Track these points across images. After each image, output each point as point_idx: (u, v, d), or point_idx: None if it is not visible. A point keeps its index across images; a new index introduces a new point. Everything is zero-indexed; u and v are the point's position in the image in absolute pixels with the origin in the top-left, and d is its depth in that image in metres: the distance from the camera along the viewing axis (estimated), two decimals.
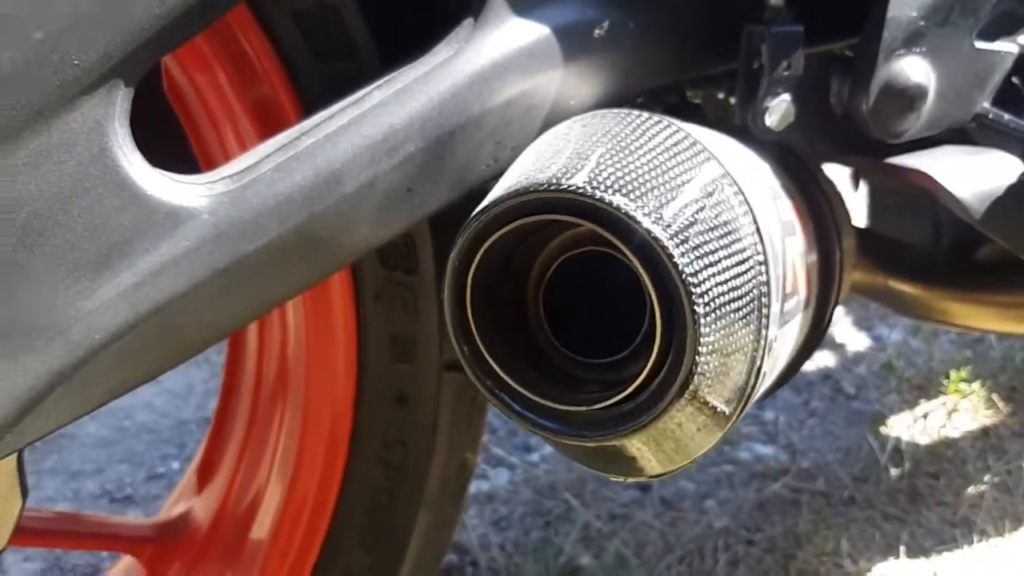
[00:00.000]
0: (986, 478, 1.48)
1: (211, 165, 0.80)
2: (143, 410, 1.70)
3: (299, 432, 0.83)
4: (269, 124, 0.73)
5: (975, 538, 1.37)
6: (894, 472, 1.51)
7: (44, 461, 1.61)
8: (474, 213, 0.54)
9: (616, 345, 0.59)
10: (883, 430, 1.59)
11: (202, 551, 0.92)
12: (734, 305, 0.54)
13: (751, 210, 0.58)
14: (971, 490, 1.47)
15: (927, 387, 1.67)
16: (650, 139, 0.57)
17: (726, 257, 0.54)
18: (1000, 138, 0.75)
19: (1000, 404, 1.62)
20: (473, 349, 0.56)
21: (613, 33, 0.68)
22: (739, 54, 0.73)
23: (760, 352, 0.57)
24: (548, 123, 0.67)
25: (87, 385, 0.57)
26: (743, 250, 0.55)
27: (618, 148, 0.55)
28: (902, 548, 1.36)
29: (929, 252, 1.24)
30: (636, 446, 0.56)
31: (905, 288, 1.21)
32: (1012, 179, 0.73)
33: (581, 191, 0.51)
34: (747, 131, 0.74)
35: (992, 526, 1.39)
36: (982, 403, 1.62)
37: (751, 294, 0.55)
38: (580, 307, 0.61)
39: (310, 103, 0.72)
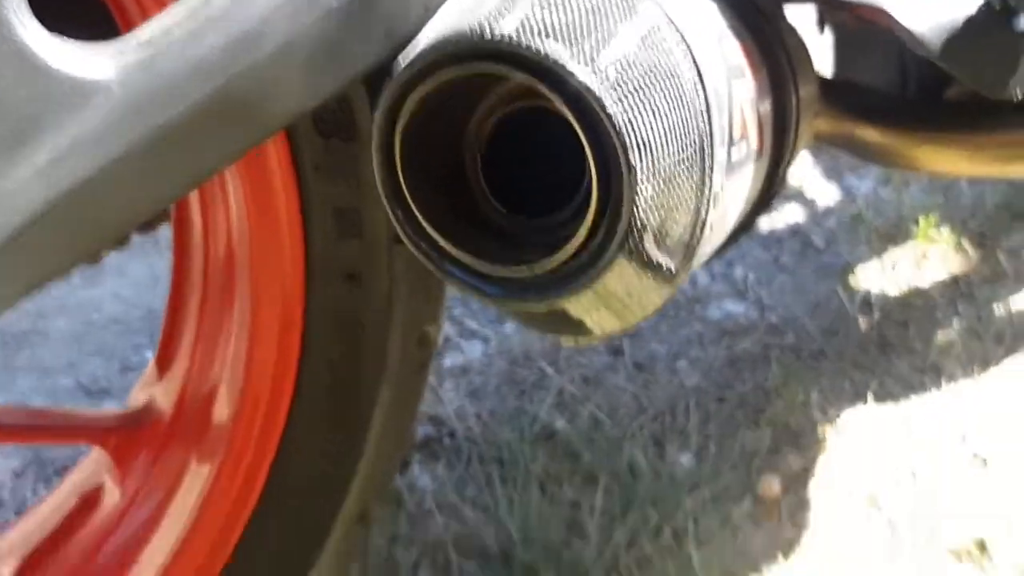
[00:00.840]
0: (955, 324, 1.49)
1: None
2: (111, 301, 1.68)
3: (251, 313, 0.81)
4: None
5: (944, 383, 1.39)
6: (864, 323, 1.52)
7: (16, 358, 1.60)
8: (397, 63, 0.51)
9: (558, 203, 0.57)
10: (853, 282, 1.59)
11: (166, 438, 0.92)
12: (673, 154, 0.52)
13: (691, 53, 0.55)
14: (941, 337, 1.48)
15: (897, 236, 1.66)
16: None
17: (664, 104, 0.51)
18: None
19: (970, 250, 1.62)
20: (407, 213, 0.54)
21: None
22: None
23: (704, 203, 0.55)
24: None
25: (9, 275, 0.55)
26: (682, 96, 0.53)
27: None
28: (871, 396, 1.38)
29: (896, 96, 1.21)
30: (583, 306, 0.54)
31: (872, 135, 1.19)
32: (971, 10, 0.70)
33: (508, 37, 0.48)
34: None
35: (961, 371, 1.41)
36: (952, 250, 1.62)
37: (692, 142, 0.53)
38: (520, 165, 0.58)
39: None
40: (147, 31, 0.56)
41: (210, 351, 0.87)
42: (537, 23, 0.49)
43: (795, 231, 1.72)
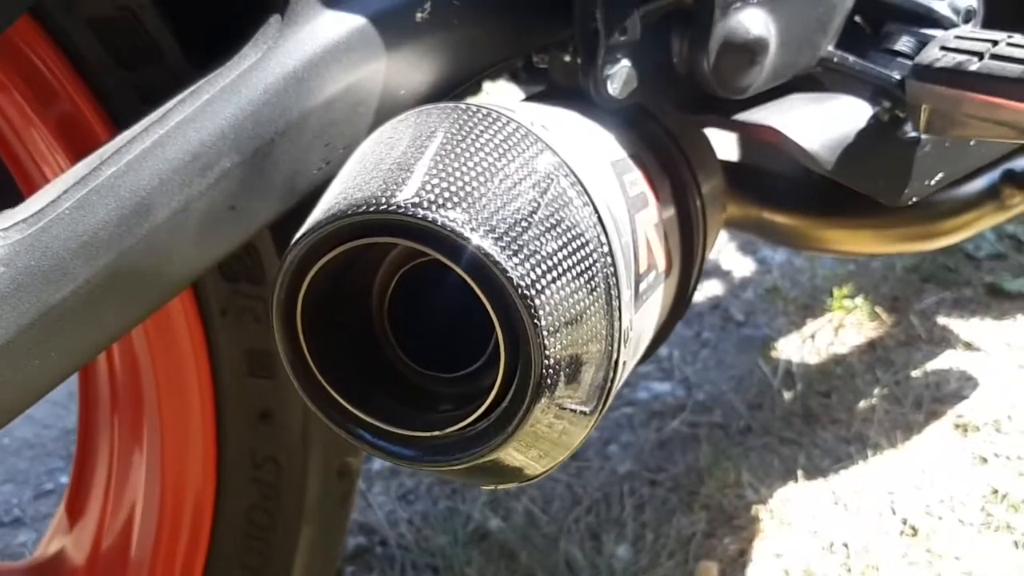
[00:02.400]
0: (876, 391, 1.52)
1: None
2: (22, 424, 1.62)
3: (161, 460, 0.79)
4: (77, 141, 0.67)
5: (869, 453, 1.41)
6: (787, 395, 1.53)
7: None
8: (295, 239, 0.50)
9: (469, 357, 0.56)
10: (774, 354, 1.61)
11: None
12: (580, 306, 0.51)
13: (591, 200, 0.55)
14: (863, 404, 1.50)
15: (813, 306, 1.70)
16: (477, 138, 0.53)
17: (566, 258, 0.51)
18: (847, 81, 0.73)
19: (884, 316, 1.66)
20: (311, 382, 0.53)
21: (438, 14, 0.64)
22: (573, 20, 0.69)
23: (615, 345, 0.55)
24: (381, 116, 0.63)
25: None
26: (584, 245, 0.53)
27: (443, 154, 0.51)
28: (800, 472, 1.39)
29: (801, 181, 1.24)
30: (500, 460, 0.53)
31: (780, 219, 1.21)
32: (861, 123, 0.72)
33: (403, 211, 0.48)
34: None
35: (884, 438, 1.43)
36: (866, 316, 1.66)
37: (598, 290, 0.53)
38: (428, 319, 0.58)
39: (120, 114, 0.66)
40: (32, 206, 0.54)
41: (121, 500, 0.84)
42: (431, 191, 0.49)
43: (715, 304, 1.74)
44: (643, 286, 0.63)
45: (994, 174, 1.17)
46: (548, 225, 0.51)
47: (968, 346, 1.59)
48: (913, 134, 0.74)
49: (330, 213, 0.49)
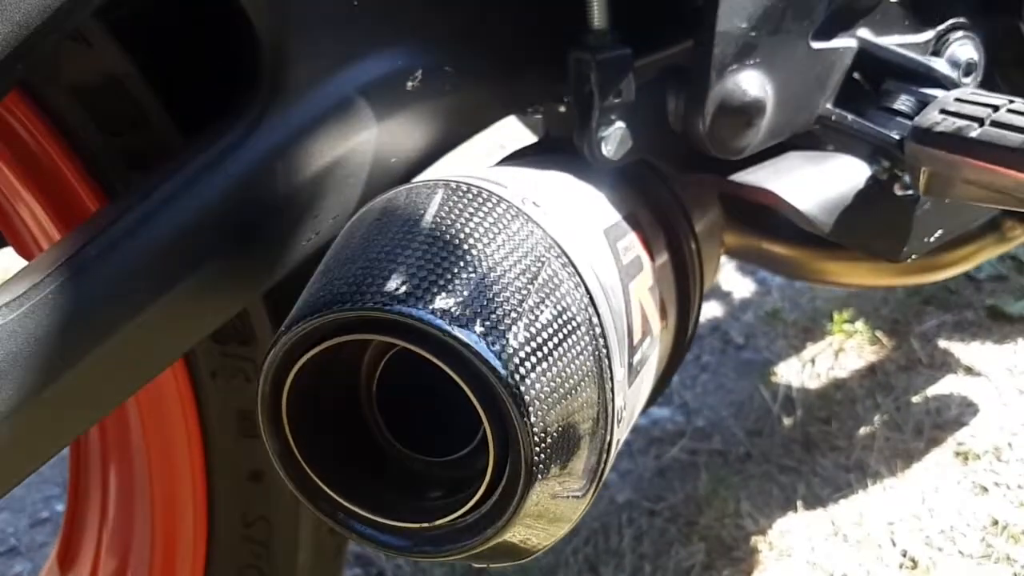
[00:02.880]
0: (876, 417, 1.51)
1: None
2: None
3: (152, 518, 0.78)
4: (65, 209, 0.66)
5: (869, 481, 1.40)
6: (787, 421, 1.52)
7: None
8: (275, 337, 0.49)
9: (459, 440, 0.55)
10: (773, 379, 1.60)
11: None
12: (571, 393, 0.51)
13: (583, 280, 0.54)
14: (863, 431, 1.49)
15: (813, 329, 1.69)
16: (466, 222, 0.52)
17: (557, 345, 0.50)
18: (845, 139, 0.72)
19: (884, 340, 1.65)
20: (299, 474, 0.52)
21: (429, 81, 0.63)
22: (567, 81, 0.68)
23: (608, 427, 0.54)
24: (371, 185, 0.62)
25: None
26: (576, 329, 0.52)
27: (429, 241, 0.50)
28: (799, 501, 1.38)
29: None
30: (493, 546, 0.52)
31: (779, 249, 1.20)
32: (859, 184, 0.71)
33: (379, 306, 0.47)
34: None
35: (885, 466, 1.42)
36: (867, 341, 1.65)
37: (590, 374, 0.52)
38: (416, 403, 0.57)
39: (107, 182, 0.65)
40: (11, 290, 0.53)
41: (113, 558, 0.83)
42: (412, 284, 0.48)
43: (714, 327, 1.73)
44: (637, 358, 0.62)
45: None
46: (537, 313, 0.50)
47: (969, 371, 1.58)
48: (911, 194, 0.73)
49: (310, 309, 0.48)
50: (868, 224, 0.72)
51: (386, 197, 0.55)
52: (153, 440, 0.74)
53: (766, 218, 1.20)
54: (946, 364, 1.60)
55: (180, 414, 0.73)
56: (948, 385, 1.56)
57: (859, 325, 1.67)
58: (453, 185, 0.54)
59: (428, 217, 0.52)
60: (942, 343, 1.64)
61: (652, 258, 0.70)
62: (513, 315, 0.49)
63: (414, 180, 0.57)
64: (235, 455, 0.75)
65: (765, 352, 1.66)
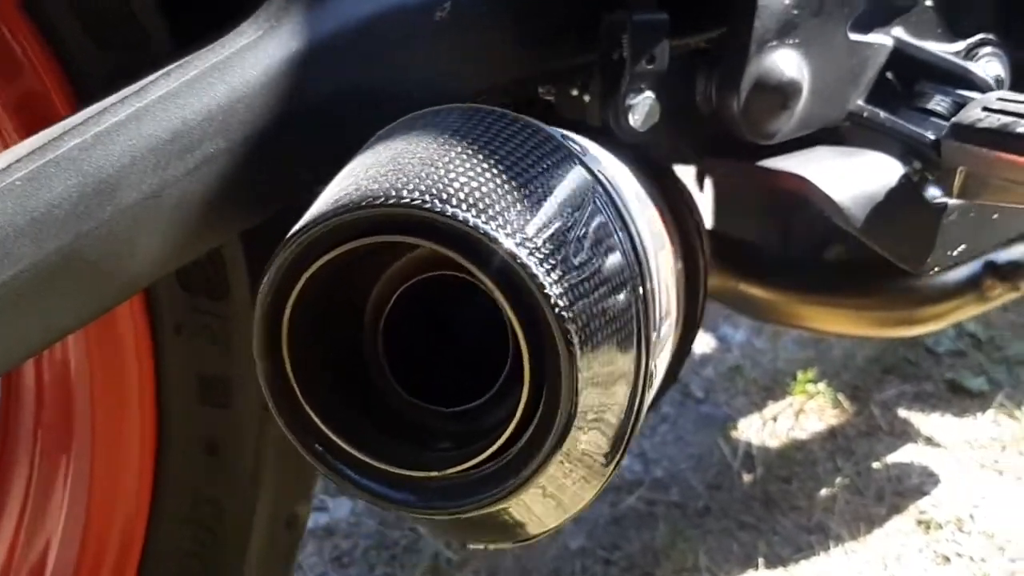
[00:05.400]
0: (837, 480, 1.47)
1: None
2: None
3: (87, 491, 0.69)
4: (38, 125, 0.59)
5: (830, 544, 1.35)
6: (747, 478, 1.47)
7: None
8: (289, 234, 0.42)
9: (471, 391, 0.49)
10: (733, 434, 1.56)
11: None
12: (613, 337, 0.45)
13: (625, 223, 0.49)
14: (823, 493, 1.45)
15: (774, 388, 1.65)
16: (505, 141, 0.47)
17: (603, 281, 0.45)
18: (875, 138, 0.69)
19: (845, 404, 1.62)
20: (294, 408, 0.45)
21: (458, 16, 0.58)
22: (597, 45, 0.64)
23: (640, 388, 0.49)
24: (387, 118, 0.56)
25: None
26: (621, 271, 0.46)
27: (468, 153, 0.44)
28: (760, 559, 1.32)
29: (779, 254, 1.21)
30: (506, 512, 0.46)
31: (756, 291, 1.17)
32: (891, 182, 0.68)
33: (426, 205, 0.41)
34: (605, 132, 0.66)
35: (846, 530, 1.38)
36: (828, 403, 1.62)
37: (631, 322, 0.47)
38: (426, 347, 0.50)
39: (87, 98, 0.59)
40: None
41: (33, 536, 0.73)
42: (459, 189, 0.42)
43: None
44: (663, 331, 0.56)
45: (976, 265, 1.15)
46: (583, 241, 0.45)
47: (929, 441, 1.55)
48: (940, 200, 0.70)
49: (338, 205, 0.42)
50: (896, 227, 0.68)
51: (416, 115, 0.50)
52: (100, 396, 0.66)
53: (745, 258, 1.17)
54: (907, 433, 1.57)
55: (135, 369, 0.65)
56: (909, 454, 1.53)
57: (821, 387, 1.64)
58: (489, 110, 0.49)
59: (467, 130, 0.46)
60: (902, 412, 1.61)
61: (672, 248, 0.65)
62: (561, 240, 0.43)
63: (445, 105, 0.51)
64: (192, 423, 0.67)
65: (725, 408, 1.62)
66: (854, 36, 0.68)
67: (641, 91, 0.64)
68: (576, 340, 0.41)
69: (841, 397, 1.63)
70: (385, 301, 0.49)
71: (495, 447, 0.43)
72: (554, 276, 0.41)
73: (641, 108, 0.64)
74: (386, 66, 0.56)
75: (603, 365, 0.44)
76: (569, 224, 0.44)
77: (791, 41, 0.64)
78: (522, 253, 0.41)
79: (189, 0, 0.58)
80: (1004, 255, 1.14)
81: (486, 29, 0.59)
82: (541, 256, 0.41)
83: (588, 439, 0.45)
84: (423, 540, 1.35)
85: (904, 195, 0.68)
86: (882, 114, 0.69)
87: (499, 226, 0.41)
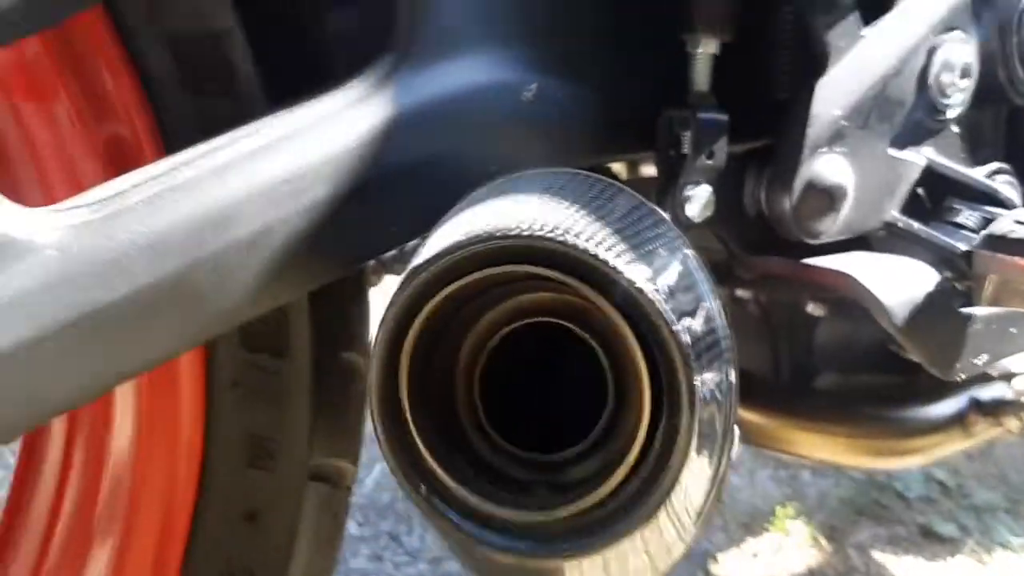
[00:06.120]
0: None
1: None
2: None
3: (115, 552, 0.66)
4: (121, 167, 0.60)
5: None
6: None
7: None
8: (421, 260, 0.44)
9: (559, 442, 0.49)
10: (714, 570, 1.54)
11: None
12: (712, 388, 0.46)
13: (709, 285, 0.51)
14: None
15: (752, 524, 1.65)
16: (610, 199, 0.49)
17: (704, 330, 0.46)
18: (908, 247, 0.73)
19: (823, 542, 1.62)
20: (404, 438, 0.45)
21: (541, 99, 0.61)
22: (658, 140, 0.68)
23: (727, 444, 0.50)
24: (467, 186, 0.59)
25: None
26: (713, 321, 0.48)
27: (583, 204, 0.47)
28: None
29: (769, 380, 1.23)
30: (604, 561, 0.45)
31: (745, 416, 1.19)
32: (926, 288, 0.71)
33: (560, 238, 0.42)
34: None
35: None
36: (806, 541, 1.62)
37: (724, 375, 0.48)
38: (515, 397, 0.51)
39: (174, 141, 0.60)
40: (101, 192, 0.47)
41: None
42: (580, 228, 0.44)
43: None
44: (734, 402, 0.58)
45: (961, 400, 1.18)
46: (687, 291, 0.46)
47: None
48: (966, 311, 0.73)
49: (471, 236, 0.43)
50: (932, 332, 0.71)
51: (513, 174, 0.52)
52: (144, 450, 0.64)
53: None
54: (882, 575, 1.57)
55: (187, 421, 0.64)
56: None
57: (799, 524, 1.64)
58: (583, 172, 0.52)
59: (574, 187, 0.49)
60: (876, 554, 1.62)
61: None
62: (671, 285, 0.45)
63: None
64: (236, 486, 0.66)
65: (705, 543, 1.61)
66: (892, 152, 0.72)
67: (699, 184, 0.67)
68: (698, 383, 0.43)
69: (818, 537, 1.63)
70: (479, 351, 0.50)
71: (609, 490, 0.44)
72: (675, 316, 0.43)
73: (699, 200, 0.67)
74: (476, 136, 0.58)
75: (705, 409, 0.45)
76: (678, 273, 0.46)
77: (840, 149, 0.69)
78: (649, 288, 0.42)
79: (283, 57, 0.61)
80: (988, 392, 1.18)
81: (564, 115, 0.63)
82: (663, 296, 0.43)
83: (687, 496, 0.45)
84: None
85: (936, 303, 0.72)
86: (916, 225, 0.73)
87: (628, 263, 0.43)
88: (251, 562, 0.67)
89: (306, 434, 0.66)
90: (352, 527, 1.58)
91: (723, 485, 0.51)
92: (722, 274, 0.88)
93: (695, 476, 0.46)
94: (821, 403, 1.17)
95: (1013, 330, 0.78)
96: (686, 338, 0.42)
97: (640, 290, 0.42)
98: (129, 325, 0.46)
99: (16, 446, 0.74)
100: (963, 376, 0.75)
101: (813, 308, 0.93)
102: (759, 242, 0.72)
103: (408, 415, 0.44)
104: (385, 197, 0.55)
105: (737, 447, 0.57)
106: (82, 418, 0.68)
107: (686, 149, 0.67)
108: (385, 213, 0.55)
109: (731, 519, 1.65)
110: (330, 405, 0.68)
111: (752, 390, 1.19)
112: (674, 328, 0.42)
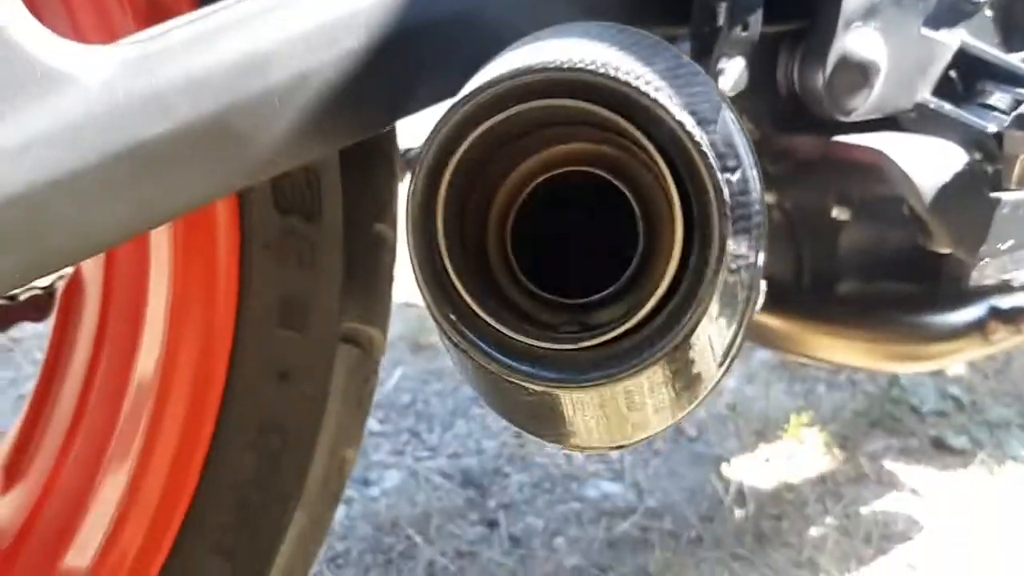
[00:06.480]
0: (826, 521, 1.48)
1: None
2: None
3: (150, 409, 0.68)
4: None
5: None
6: (739, 513, 1.48)
7: None
8: (465, 93, 0.44)
9: (590, 287, 0.50)
10: (726, 472, 1.57)
11: (5, 565, 0.74)
12: (742, 224, 0.47)
13: (750, 149, 0.52)
14: (813, 532, 1.46)
15: (765, 432, 1.67)
16: (655, 49, 0.49)
17: (741, 189, 0.47)
18: (939, 129, 0.73)
19: (836, 451, 1.64)
20: (438, 270, 0.46)
21: None
22: (693, 11, 0.68)
23: (755, 291, 0.51)
24: (501, 44, 0.59)
25: None
26: (749, 185, 0.49)
27: (628, 47, 0.47)
28: None
29: (791, 286, 1.24)
30: (625, 396, 0.47)
31: (768, 320, 1.20)
32: (955, 169, 0.71)
33: (601, 71, 0.43)
34: None
35: (835, 568, 1.39)
36: (819, 449, 1.64)
37: (755, 226, 0.49)
38: (546, 243, 0.52)
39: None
40: (146, 32, 0.48)
41: (83, 459, 0.72)
42: (623, 65, 0.44)
43: None
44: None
45: (981, 308, 1.19)
46: (726, 139, 0.47)
47: (914, 492, 1.58)
48: (995, 194, 0.73)
49: (514, 69, 0.43)
50: (958, 213, 0.72)
51: (555, 27, 0.52)
52: (178, 308, 0.66)
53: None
54: (893, 483, 1.60)
55: (222, 281, 0.65)
56: (894, 502, 1.55)
57: (812, 433, 1.67)
58: (624, 26, 0.52)
59: (616, 34, 0.49)
60: (888, 464, 1.64)
61: None
62: (711, 127, 0.45)
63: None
64: (268, 345, 0.67)
65: (717, 448, 1.63)
66: (926, 31, 0.72)
67: (732, 57, 0.67)
68: (727, 206, 0.43)
69: (831, 445, 1.66)
70: (514, 197, 0.51)
71: (635, 321, 0.45)
72: (713, 153, 0.44)
73: (732, 73, 0.67)
74: None
75: (734, 248, 0.46)
76: (716, 120, 0.47)
77: (874, 24, 0.69)
78: (697, 132, 0.43)
79: None
80: (1008, 300, 1.19)
81: None
82: (703, 133, 0.44)
83: (716, 321, 0.46)
84: (417, 548, 1.33)
85: (965, 184, 0.72)
86: (947, 106, 0.73)
87: (676, 105, 0.43)
88: (283, 419, 0.69)
89: (337, 298, 0.67)
90: (374, 424, 1.62)
91: (742, 344, 0.52)
92: None
93: (718, 322, 0.47)
94: (843, 309, 1.19)
95: None
96: (726, 188, 0.43)
97: (689, 133, 0.42)
98: (168, 163, 0.47)
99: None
100: (987, 260, 0.75)
101: (838, 212, 0.93)
102: (790, 120, 0.72)
103: (443, 250, 0.45)
104: (419, 52, 0.55)
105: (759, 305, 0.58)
106: (119, 276, 0.69)
107: (721, 22, 0.66)
108: (418, 69, 0.55)
109: (745, 427, 1.67)
110: (360, 273, 0.69)
111: (776, 296, 1.20)
112: (717, 175, 0.43)
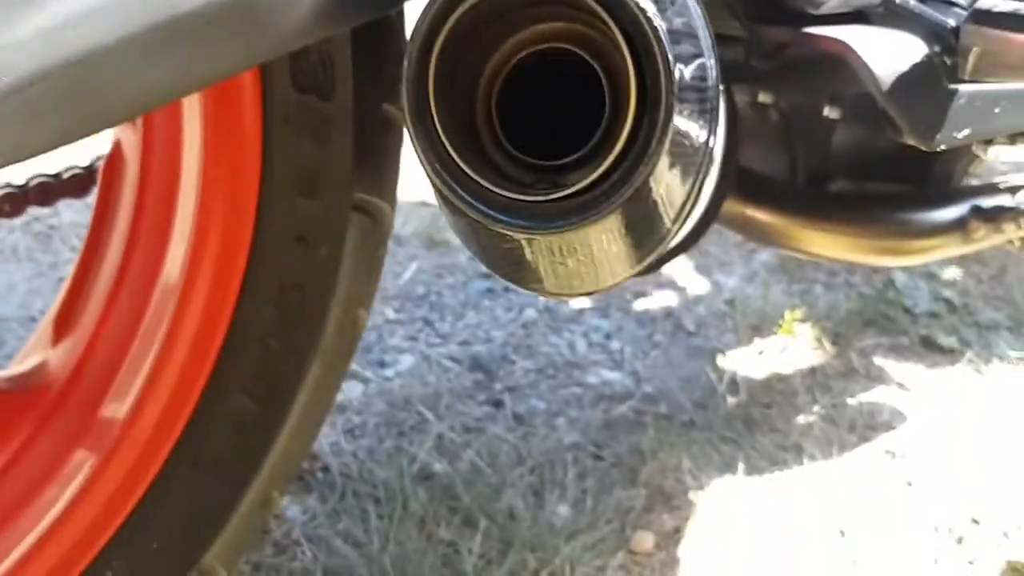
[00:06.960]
0: (814, 410, 1.58)
1: None
2: None
3: (185, 267, 0.77)
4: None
5: (804, 462, 1.46)
6: (731, 401, 1.58)
7: None
8: None
9: (562, 151, 0.58)
10: (721, 364, 1.66)
11: (52, 411, 0.84)
12: (695, 103, 0.54)
13: (710, 33, 0.59)
14: (800, 420, 1.56)
15: (761, 328, 1.76)
16: None
17: (691, 52, 0.54)
18: (902, 23, 0.79)
19: (827, 346, 1.73)
20: (427, 126, 0.54)
21: None
22: None
23: (705, 163, 0.58)
24: None
25: None
26: (701, 50, 0.56)
27: None
28: (740, 467, 1.43)
29: (786, 183, 1.30)
30: (593, 241, 0.55)
31: (764, 216, 1.27)
32: (914, 61, 0.77)
33: None
34: None
35: (819, 452, 1.48)
36: (810, 345, 1.73)
37: (709, 109, 0.56)
38: (527, 111, 0.59)
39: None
40: None
41: (126, 312, 0.82)
42: None
43: (668, 313, 1.79)
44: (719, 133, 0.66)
45: (964, 207, 1.26)
46: (686, 24, 0.54)
47: (901, 387, 1.66)
48: (952, 86, 0.80)
49: None
50: (915, 101, 0.78)
51: None
52: (209, 178, 0.74)
53: (754, 185, 1.27)
54: (881, 378, 1.68)
55: (248, 152, 0.73)
56: (881, 395, 1.64)
57: (806, 328, 1.75)
58: None
59: None
60: (878, 360, 1.73)
61: None
62: (666, 10, 0.52)
63: None
64: (287, 212, 0.76)
65: (714, 342, 1.72)
66: None
67: None
68: (675, 87, 0.51)
69: (823, 340, 1.74)
70: (496, 73, 0.58)
71: (595, 176, 0.53)
72: (663, 30, 0.51)
73: None
74: None
75: (685, 120, 0.53)
76: (681, 7, 0.54)
77: None
78: (649, 8, 0.50)
79: None
80: (990, 200, 1.25)
81: None
82: (660, 17, 0.51)
83: (666, 182, 0.54)
84: (428, 423, 1.44)
85: (923, 75, 0.78)
86: (911, 1, 0.79)
87: None
88: (302, 279, 0.77)
89: (348, 170, 0.75)
90: (390, 312, 1.72)
91: (698, 204, 0.59)
92: (742, 71, 0.95)
93: (669, 182, 0.55)
94: (833, 205, 1.25)
95: (997, 110, 0.84)
96: (676, 69, 0.50)
97: (648, 19, 0.50)
98: (204, 35, 0.54)
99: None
100: (943, 147, 0.82)
101: (829, 111, 1.00)
102: (765, 12, 0.78)
103: (434, 115, 0.53)
104: None
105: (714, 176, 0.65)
106: (155, 153, 0.78)
107: None
108: None
109: (742, 323, 1.76)
110: (370, 148, 0.77)
111: (770, 193, 1.27)
112: (669, 59, 0.50)
